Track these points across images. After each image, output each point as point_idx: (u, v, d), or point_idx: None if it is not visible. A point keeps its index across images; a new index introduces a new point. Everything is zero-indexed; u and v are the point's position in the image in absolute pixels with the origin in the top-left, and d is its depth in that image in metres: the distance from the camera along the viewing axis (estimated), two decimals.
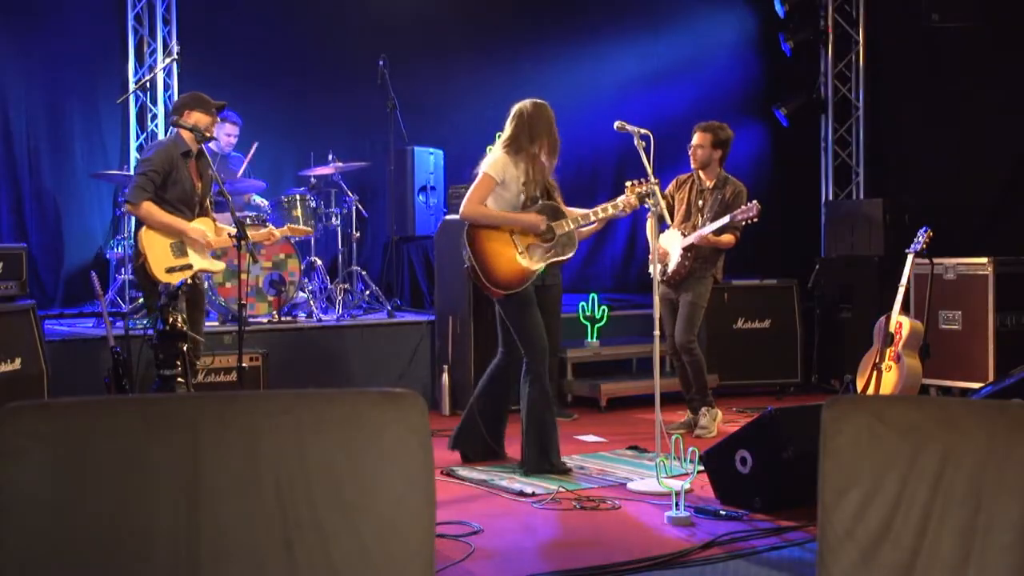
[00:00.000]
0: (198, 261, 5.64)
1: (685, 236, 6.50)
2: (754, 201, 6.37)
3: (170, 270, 5.50)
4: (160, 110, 8.37)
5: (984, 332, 7.52)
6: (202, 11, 8.46)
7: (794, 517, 4.49)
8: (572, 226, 5.48)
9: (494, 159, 5.44)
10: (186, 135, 5.62)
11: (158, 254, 5.52)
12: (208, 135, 5.67)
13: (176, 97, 8.33)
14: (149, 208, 5.50)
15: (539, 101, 5.50)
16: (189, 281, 5.43)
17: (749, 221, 6.38)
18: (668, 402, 6.60)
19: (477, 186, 5.40)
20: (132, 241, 5.88)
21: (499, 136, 5.63)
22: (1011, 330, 7.58)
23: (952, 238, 8.14)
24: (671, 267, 6.49)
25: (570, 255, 5.54)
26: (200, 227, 5.65)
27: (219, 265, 5.98)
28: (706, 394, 6.61)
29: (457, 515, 4.57)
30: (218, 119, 5.87)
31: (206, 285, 6.90)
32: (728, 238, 6.48)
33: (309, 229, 7.12)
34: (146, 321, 5.11)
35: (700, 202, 6.55)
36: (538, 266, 5.41)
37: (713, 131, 6.55)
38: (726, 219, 6.35)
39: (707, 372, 6.64)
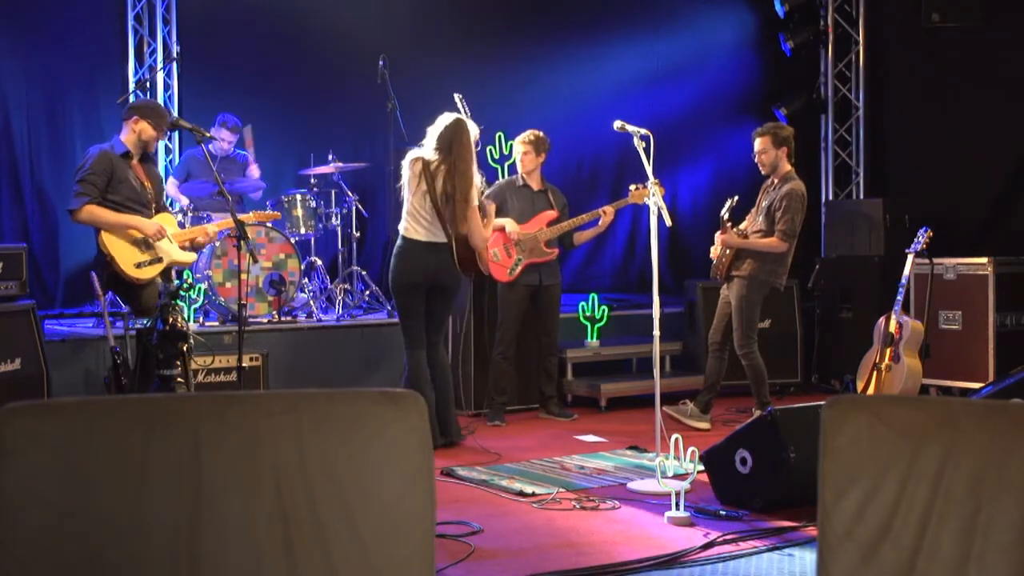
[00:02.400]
0: (169, 254, 5.66)
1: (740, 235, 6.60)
2: (603, 208, 6.79)
3: (139, 265, 5.53)
4: None
5: (984, 332, 7.53)
6: (202, 12, 8.45)
7: (794, 517, 4.50)
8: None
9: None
10: (127, 139, 5.63)
11: (123, 252, 5.52)
12: (157, 141, 5.79)
13: (176, 97, 8.34)
14: (92, 210, 5.48)
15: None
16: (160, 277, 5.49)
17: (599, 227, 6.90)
18: (668, 402, 6.61)
19: None
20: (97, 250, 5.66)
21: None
22: (1011, 330, 7.59)
23: (952, 238, 8.14)
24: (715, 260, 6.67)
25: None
26: (154, 221, 5.63)
27: (191, 256, 5.94)
28: (763, 401, 6.55)
29: (457, 515, 4.58)
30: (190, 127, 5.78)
31: (207, 285, 6.92)
32: (769, 241, 6.47)
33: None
34: (146, 321, 5.07)
35: (763, 203, 6.60)
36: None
37: (771, 133, 6.58)
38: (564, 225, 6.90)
39: (767, 379, 6.62)
